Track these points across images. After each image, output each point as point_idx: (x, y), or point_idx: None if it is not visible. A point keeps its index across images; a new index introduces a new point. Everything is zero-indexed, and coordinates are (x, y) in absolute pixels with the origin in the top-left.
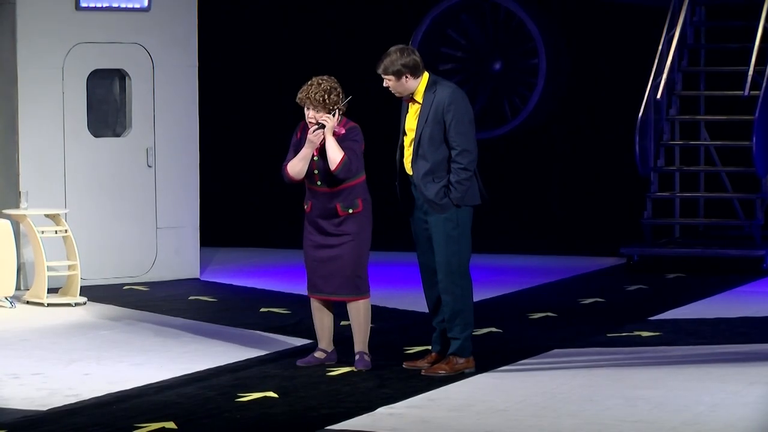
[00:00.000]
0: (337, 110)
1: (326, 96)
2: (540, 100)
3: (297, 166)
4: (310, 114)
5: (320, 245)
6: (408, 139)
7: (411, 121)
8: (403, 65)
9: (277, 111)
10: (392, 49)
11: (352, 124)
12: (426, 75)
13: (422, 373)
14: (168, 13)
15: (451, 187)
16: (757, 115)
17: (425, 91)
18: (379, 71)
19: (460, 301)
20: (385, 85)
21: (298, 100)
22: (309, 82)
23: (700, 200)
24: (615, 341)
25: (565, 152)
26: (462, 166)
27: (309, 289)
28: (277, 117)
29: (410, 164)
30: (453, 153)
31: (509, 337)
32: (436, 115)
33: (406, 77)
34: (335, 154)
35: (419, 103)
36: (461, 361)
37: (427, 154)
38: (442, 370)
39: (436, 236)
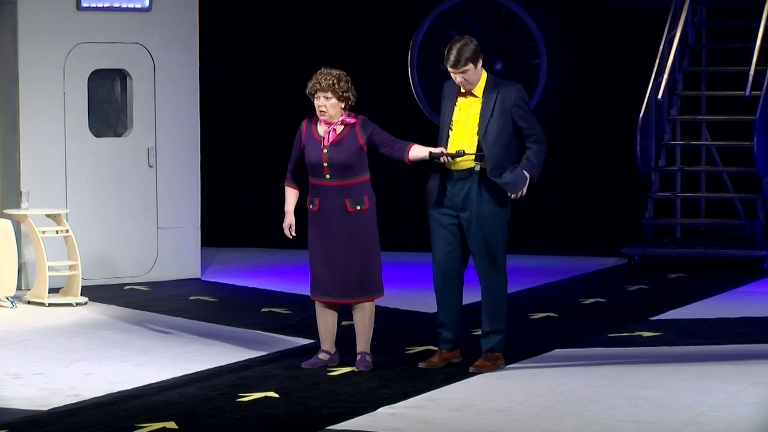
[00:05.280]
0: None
1: (336, 82)
2: (541, 100)
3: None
4: (320, 102)
5: (327, 248)
6: (455, 134)
7: (462, 116)
8: (475, 49)
9: (278, 111)
10: (454, 42)
11: (361, 117)
12: (484, 71)
13: (470, 370)
14: (169, 13)
15: (529, 160)
16: (758, 115)
17: (486, 87)
18: (451, 64)
19: (500, 291)
20: (459, 80)
21: (308, 90)
22: (318, 72)
23: (701, 200)
24: (616, 341)
25: (566, 152)
26: (543, 148)
27: (313, 291)
28: (278, 117)
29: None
30: (531, 140)
31: (510, 338)
32: (503, 110)
33: (478, 63)
34: (424, 153)
35: (476, 97)
36: (500, 356)
37: (495, 147)
38: (486, 368)
39: (484, 221)
